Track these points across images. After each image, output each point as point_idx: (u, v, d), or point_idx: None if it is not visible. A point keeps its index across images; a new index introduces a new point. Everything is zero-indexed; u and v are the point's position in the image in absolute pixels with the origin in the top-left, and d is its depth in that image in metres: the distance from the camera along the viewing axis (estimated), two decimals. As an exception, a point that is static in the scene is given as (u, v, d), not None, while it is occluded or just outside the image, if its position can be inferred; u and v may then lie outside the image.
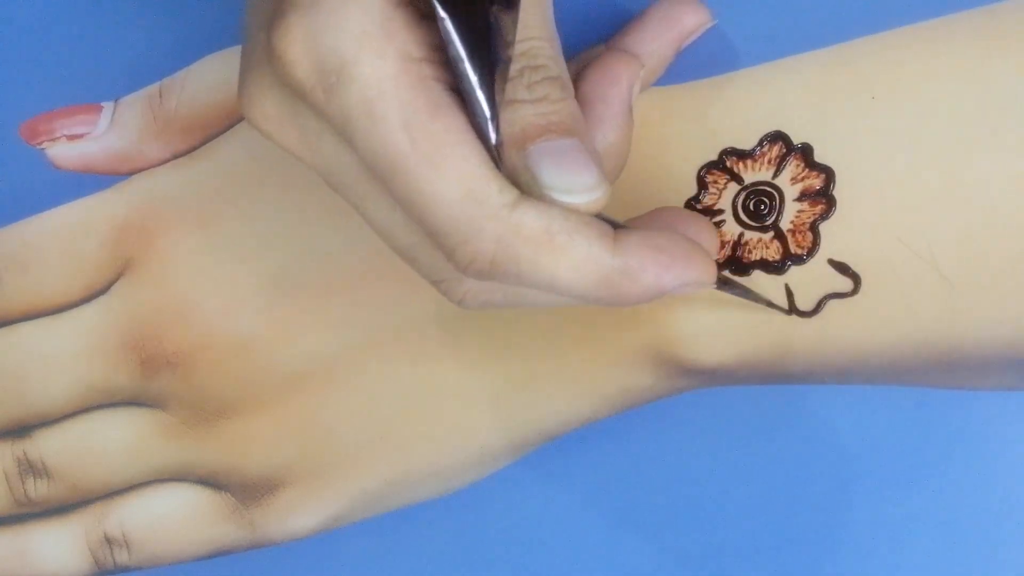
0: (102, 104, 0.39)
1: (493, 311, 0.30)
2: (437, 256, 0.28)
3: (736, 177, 0.34)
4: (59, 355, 0.39)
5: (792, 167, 0.34)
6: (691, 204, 0.34)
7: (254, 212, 0.37)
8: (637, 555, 0.36)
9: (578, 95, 0.30)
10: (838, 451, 0.34)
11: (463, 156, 0.26)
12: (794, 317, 0.34)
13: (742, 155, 0.34)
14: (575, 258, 0.27)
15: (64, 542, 0.39)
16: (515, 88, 0.27)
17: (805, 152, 0.34)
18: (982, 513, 0.33)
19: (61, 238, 0.39)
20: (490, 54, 0.26)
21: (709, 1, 0.34)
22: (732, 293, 0.33)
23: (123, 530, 0.39)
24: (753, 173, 0.34)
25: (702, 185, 0.34)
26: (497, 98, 0.26)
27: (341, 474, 0.37)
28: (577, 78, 0.32)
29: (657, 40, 0.33)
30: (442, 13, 0.25)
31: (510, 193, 0.26)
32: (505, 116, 0.27)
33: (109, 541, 0.39)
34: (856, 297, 0.33)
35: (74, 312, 0.39)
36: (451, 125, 0.26)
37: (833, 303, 0.33)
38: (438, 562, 0.37)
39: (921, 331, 0.33)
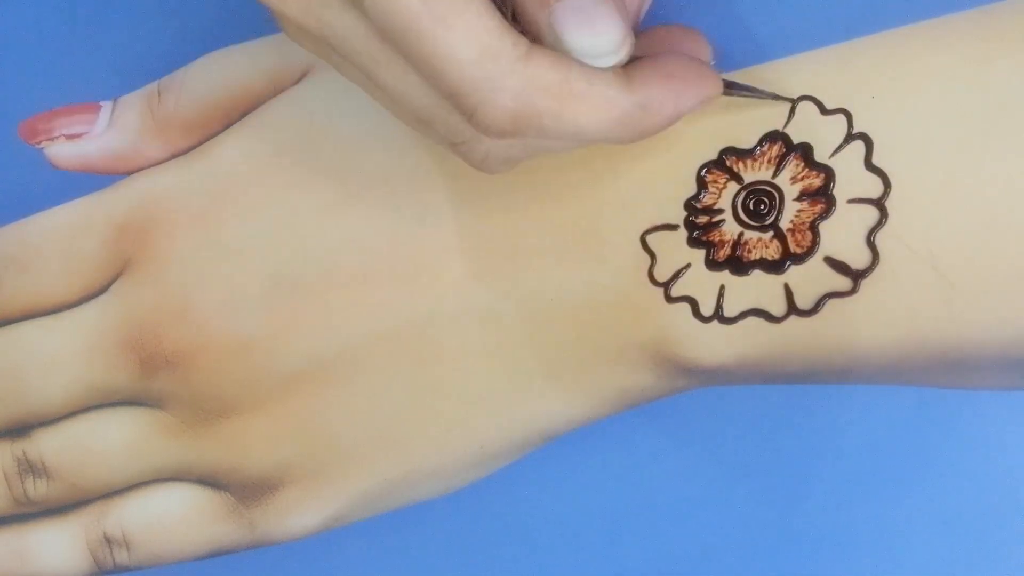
0: (101, 103, 0.39)
1: (515, 167, 0.29)
2: (455, 117, 0.28)
3: (736, 176, 0.34)
4: (58, 354, 0.38)
5: (792, 166, 0.34)
6: (691, 203, 0.34)
7: (254, 212, 0.37)
8: (637, 555, 0.36)
9: None
10: (838, 451, 0.34)
11: (476, 12, 0.26)
12: (794, 317, 0.34)
13: (742, 154, 0.34)
14: (595, 104, 0.27)
15: (63, 542, 0.39)
16: None
17: (805, 152, 0.33)
18: (982, 513, 0.33)
19: (60, 237, 0.39)
20: None
21: (711, 2, 0.34)
22: (739, 95, 0.33)
23: (123, 530, 0.39)
24: (753, 172, 0.34)
25: (702, 184, 0.34)
26: None
27: (341, 474, 0.37)
28: None
29: None
30: None
31: (523, 45, 0.26)
32: None
33: (108, 541, 0.39)
34: (855, 297, 0.33)
35: (73, 311, 0.39)
36: None
37: (833, 303, 0.33)
38: (438, 562, 0.37)
39: (921, 331, 0.33)
